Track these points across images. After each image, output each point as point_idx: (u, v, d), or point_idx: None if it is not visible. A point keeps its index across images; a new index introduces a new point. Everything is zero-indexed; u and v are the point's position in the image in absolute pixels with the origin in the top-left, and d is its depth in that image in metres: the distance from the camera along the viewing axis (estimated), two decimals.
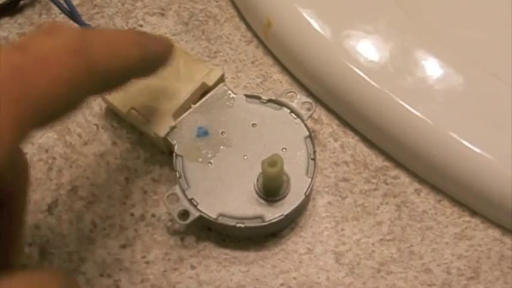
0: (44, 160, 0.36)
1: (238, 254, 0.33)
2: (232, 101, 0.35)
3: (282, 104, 0.35)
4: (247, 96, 0.35)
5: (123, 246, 0.34)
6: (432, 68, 0.35)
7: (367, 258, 0.33)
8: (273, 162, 0.30)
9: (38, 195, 0.35)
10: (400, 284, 0.33)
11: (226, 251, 0.34)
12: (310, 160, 0.33)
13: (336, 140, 0.37)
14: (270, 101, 0.35)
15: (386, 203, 0.35)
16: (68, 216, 0.34)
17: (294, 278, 0.33)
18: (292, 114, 0.34)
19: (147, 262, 0.33)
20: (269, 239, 0.34)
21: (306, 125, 0.34)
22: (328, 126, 0.37)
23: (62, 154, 0.36)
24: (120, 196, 0.35)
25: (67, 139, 0.37)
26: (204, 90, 0.35)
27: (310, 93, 0.38)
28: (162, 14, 0.41)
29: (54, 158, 0.36)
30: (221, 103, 0.35)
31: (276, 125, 0.34)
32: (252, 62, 0.39)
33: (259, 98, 0.35)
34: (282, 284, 0.33)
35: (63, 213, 0.34)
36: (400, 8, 0.37)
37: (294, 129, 0.34)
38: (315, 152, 0.33)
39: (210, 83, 0.35)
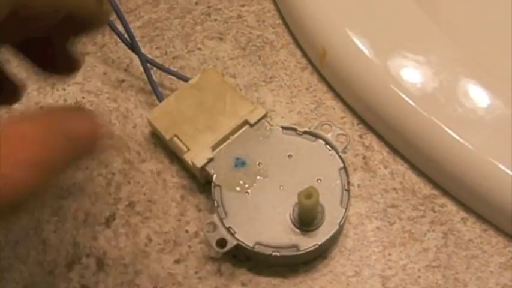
0: (103, 175, 0.38)
1: (287, 273, 0.34)
2: (269, 133, 0.36)
3: (317, 136, 0.35)
4: (283, 127, 0.36)
5: (177, 262, 0.35)
6: (481, 99, 0.36)
7: (412, 283, 0.34)
8: (309, 194, 0.31)
9: (97, 208, 0.36)
10: None
11: (276, 269, 0.34)
12: (344, 191, 0.34)
13: (386, 167, 0.37)
14: (305, 132, 0.35)
15: (433, 230, 0.35)
16: (124, 230, 0.36)
17: None
18: (327, 146, 0.35)
19: (200, 278, 0.34)
20: (318, 260, 0.35)
21: (340, 157, 0.35)
22: (378, 153, 0.38)
23: (120, 170, 0.38)
24: (175, 213, 0.36)
25: (126, 156, 0.38)
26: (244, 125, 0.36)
27: (362, 121, 0.39)
28: (221, 39, 0.42)
29: (113, 174, 0.38)
30: (258, 134, 0.36)
31: (311, 156, 0.35)
32: (307, 88, 0.40)
33: (295, 129, 0.35)
34: None
35: (120, 227, 0.36)
36: (451, 40, 0.37)
37: (329, 160, 0.35)
38: (349, 183, 0.34)
39: (252, 121, 0.36)
